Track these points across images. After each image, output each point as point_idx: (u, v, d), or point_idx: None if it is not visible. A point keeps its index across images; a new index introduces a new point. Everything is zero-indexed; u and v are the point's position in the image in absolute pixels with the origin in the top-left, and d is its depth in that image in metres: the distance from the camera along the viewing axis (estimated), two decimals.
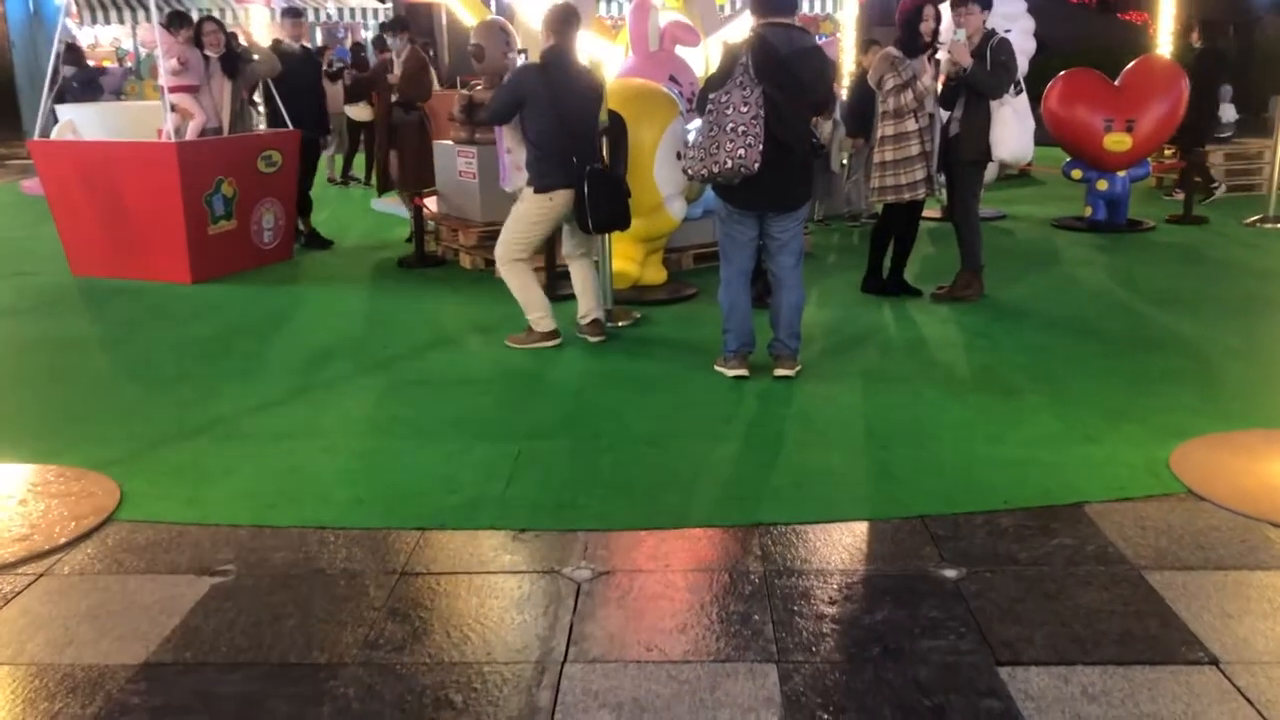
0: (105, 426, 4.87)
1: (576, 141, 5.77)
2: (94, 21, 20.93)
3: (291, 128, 8.71)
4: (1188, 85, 9.38)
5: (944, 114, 6.82)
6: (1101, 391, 5.10)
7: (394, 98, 9.25)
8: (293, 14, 9.38)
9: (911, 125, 6.54)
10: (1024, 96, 6.67)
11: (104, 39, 24.67)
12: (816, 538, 3.59)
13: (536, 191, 5.80)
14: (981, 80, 6.54)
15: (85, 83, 14.93)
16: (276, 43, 9.10)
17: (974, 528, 3.64)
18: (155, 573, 3.43)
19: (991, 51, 6.54)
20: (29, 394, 5.45)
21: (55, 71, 16.71)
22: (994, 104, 6.58)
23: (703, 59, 9.19)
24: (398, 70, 9.32)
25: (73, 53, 15.59)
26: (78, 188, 7.97)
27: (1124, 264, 8.23)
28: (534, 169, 5.80)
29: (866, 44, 10.59)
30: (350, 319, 6.94)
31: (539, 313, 6.00)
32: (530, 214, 5.87)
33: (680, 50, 8.62)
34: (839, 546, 3.53)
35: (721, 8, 11.03)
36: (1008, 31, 7.30)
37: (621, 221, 5.94)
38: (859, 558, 3.46)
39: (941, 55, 6.68)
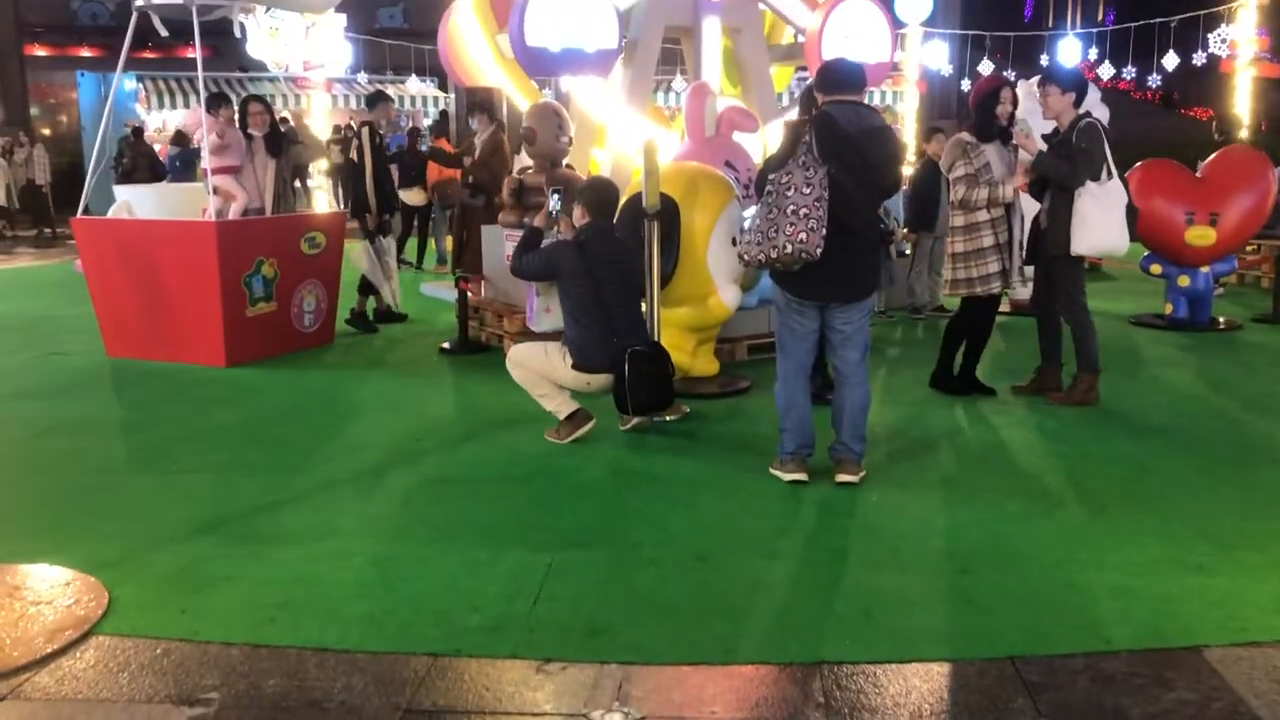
0: (106, 522, 4.50)
1: (617, 316, 5.44)
2: (161, 106, 21.37)
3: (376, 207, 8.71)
4: (1276, 175, 8.88)
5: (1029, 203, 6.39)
6: (1209, 511, 4.54)
7: (470, 178, 9.18)
8: (383, 98, 9.42)
9: (983, 216, 6.11)
10: (1115, 184, 6.17)
11: (171, 123, 25.20)
12: (889, 681, 3.07)
13: (574, 366, 5.47)
14: (1050, 168, 6.11)
15: (186, 162, 15.19)
16: (371, 126, 9.03)
17: (1074, 673, 3.11)
18: (131, 700, 3.01)
19: (1076, 136, 6.10)
20: (32, 484, 5.12)
21: (117, 155, 16.99)
22: (1075, 192, 6.12)
23: (760, 145, 8.90)
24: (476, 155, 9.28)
25: (137, 136, 15.80)
26: (116, 267, 7.79)
27: (1213, 366, 7.66)
28: (572, 344, 5.48)
29: (929, 131, 10.25)
30: (384, 408, 6.58)
31: (556, 401, 5.60)
32: (562, 377, 5.53)
33: (737, 136, 8.32)
34: (915, 693, 3.01)
35: (780, 95, 10.77)
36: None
37: (662, 402, 5.56)
38: (939, 708, 2.94)
39: (1018, 141, 6.27)
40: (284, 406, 6.64)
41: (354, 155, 8.82)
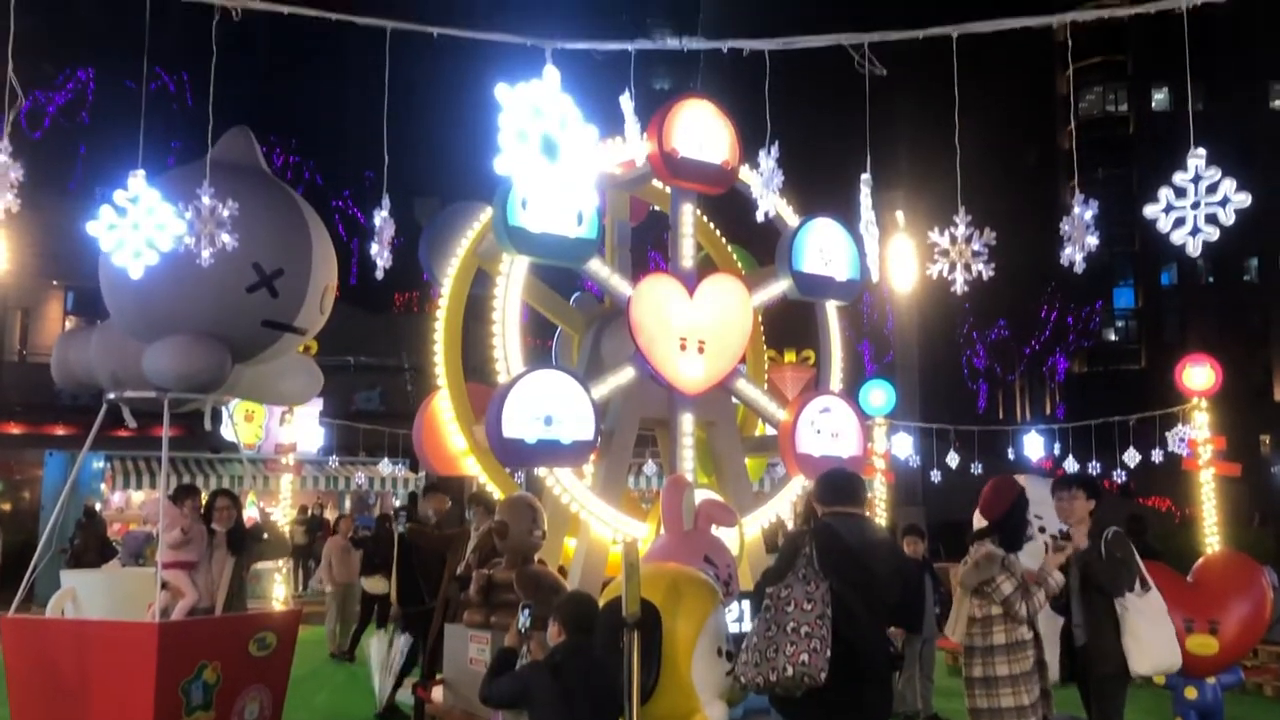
0: None
1: None
2: (126, 486, 21.16)
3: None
4: (1269, 581, 8.68)
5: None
6: None
7: (458, 570, 8.80)
8: (434, 489, 9.34)
9: (1027, 634, 5.59)
10: (1155, 595, 5.84)
11: (135, 502, 24.92)
12: None
13: None
14: (1105, 575, 5.78)
15: (135, 554, 14.42)
16: (410, 516, 8.92)
17: None
18: None
19: (1107, 546, 5.84)
20: None
21: (72, 536, 16.52)
22: (1117, 608, 5.77)
23: (738, 539, 8.65)
24: (469, 550, 8.93)
25: (90, 516, 15.42)
26: (43, 671, 7.14)
27: None
28: None
29: (906, 530, 10.10)
30: None
31: None
32: None
33: (715, 531, 8.09)
34: None
35: (754, 485, 10.70)
36: (1044, 530, 6.53)
37: None
38: None
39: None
40: None
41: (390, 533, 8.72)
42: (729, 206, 9.70)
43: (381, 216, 6.37)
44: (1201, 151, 4.53)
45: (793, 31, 6.64)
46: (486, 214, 8.96)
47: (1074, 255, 5.01)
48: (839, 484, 4.56)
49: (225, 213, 4.85)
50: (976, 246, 5.35)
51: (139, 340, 6.98)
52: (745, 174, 9.14)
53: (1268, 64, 53.99)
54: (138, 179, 4.91)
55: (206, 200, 4.84)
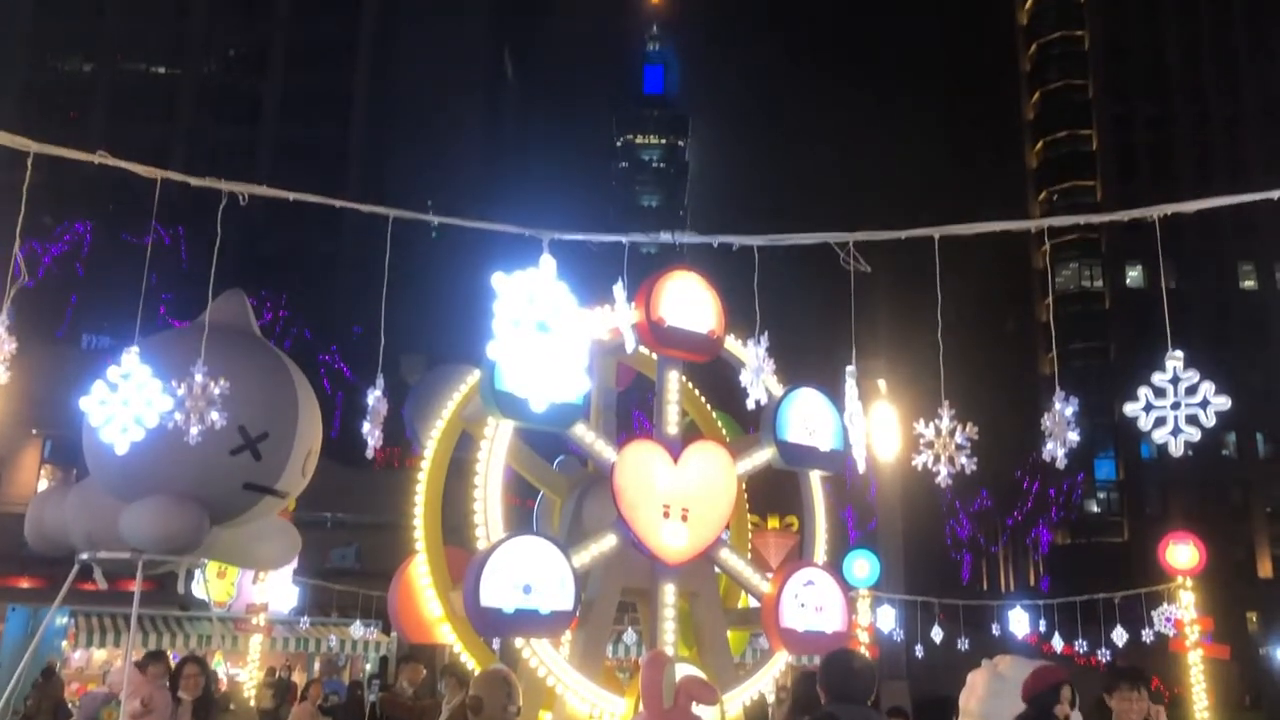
0: None
1: None
2: (89, 644, 20.51)
3: None
4: None
5: None
6: None
7: None
8: (411, 659, 9.09)
9: None
10: None
11: (96, 661, 24.10)
12: None
13: None
14: None
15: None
16: (383, 684, 8.65)
17: None
18: None
19: None
20: None
21: (26, 695, 15.88)
22: None
23: (719, 717, 8.39)
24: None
25: (47, 676, 14.89)
26: None
27: None
28: None
29: (890, 712, 9.83)
30: None
31: None
32: None
33: (696, 708, 7.85)
34: None
35: (736, 658, 10.44)
36: None
37: None
38: None
39: None
40: None
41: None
42: (714, 372, 9.80)
43: (375, 396, 6.40)
44: (1179, 353, 4.63)
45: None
46: (473, 376, 9.01)
47: (1055, 451, 5.07)
48: (850, 675, 4.32)
49: (216, 390, 4.88)
50: (960, 440, 5.41)
51: (117, 499, 6.91)
52: (731, 343, 9.28)
53: (1236, 245, 55.82)
54: (131, 356, 4.95)
55: (199, 379, 4.88)
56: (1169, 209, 4.97)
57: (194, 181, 5.10)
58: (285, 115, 57.14)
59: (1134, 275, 57.95)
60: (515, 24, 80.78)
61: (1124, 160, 59.55)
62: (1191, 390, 4.60)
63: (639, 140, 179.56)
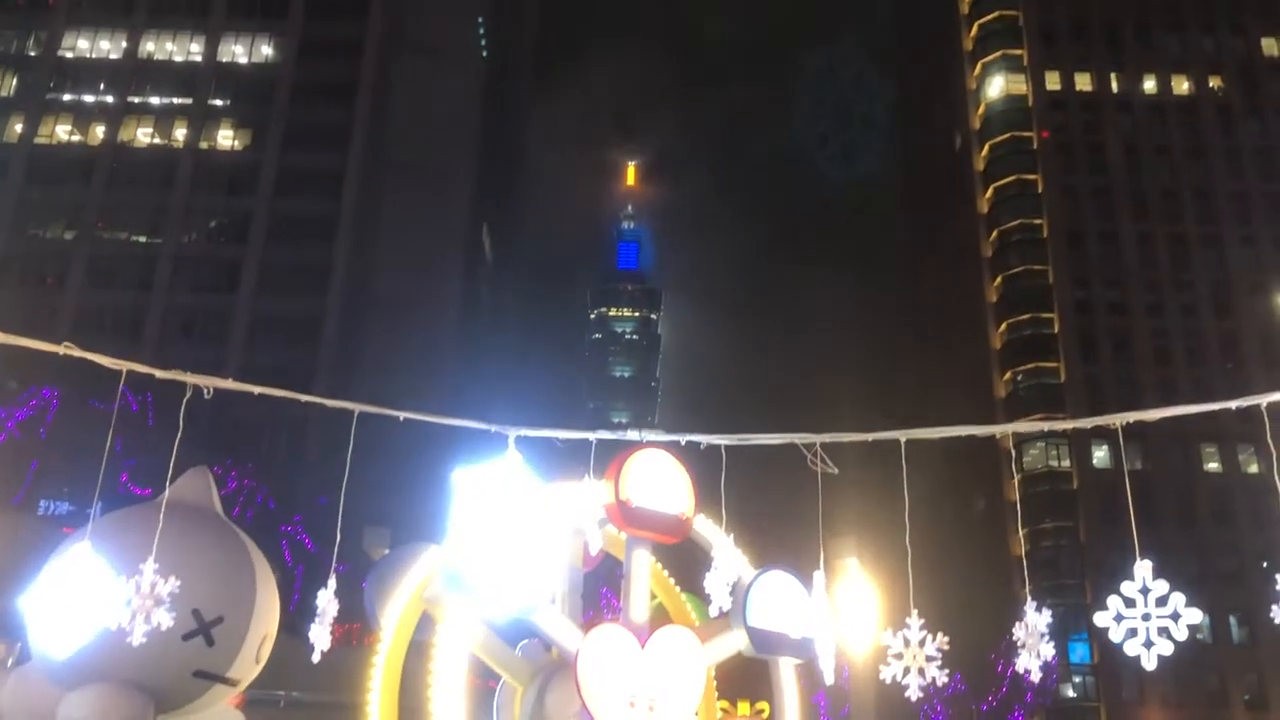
0: None
1: None
2: None
3: None
4: None
5: None
6: None
7: None
8: None
9: None
10: None
11: None
12: None
13: None
14: None
15: None
16: None
17: None
18: None
19: None
20: None
21: None
22: None
23: None
24: None
25: None
26: None
27: None
28: None
29: None
30: None
31: None
32: None
33: None
34: None
35: None
36: None
37: None
38: None
39: None
40: None
41: None
42: (685, 550, 9.64)
43: (326, 598, 6.26)
44: (1148, 563, 4.63)
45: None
46: (436, 556, 8.82)
47: (1030, 663, 5.01)
48: None
49: (166, 590, 4.76)
50: (930, 651, 5.33)
51: (58, 685, 6.59)
52: (702, 524, 9.17)
53: (1198, 428, 56.64)
54: (84, 547, 4.83)
55: (149, 578, 4.76)
56: (1131, 417, 5.06)
57: (159, 374, 5.11)
58: (263, 286, 57.85)
59: (1100, 455, 58.44)
60: (495, 202, 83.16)
61: (1085, 342, 60.95)
62: (1162, 601, 4.57)
63: (613, 313, 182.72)
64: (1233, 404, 4.98)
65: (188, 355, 52.54)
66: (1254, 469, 54.92)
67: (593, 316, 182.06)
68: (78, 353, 5.03)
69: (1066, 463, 58.93)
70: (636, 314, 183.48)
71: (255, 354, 55.22)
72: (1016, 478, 58.95)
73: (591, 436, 7.15)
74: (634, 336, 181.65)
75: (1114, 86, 66.97)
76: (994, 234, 66.58)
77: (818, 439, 6.37)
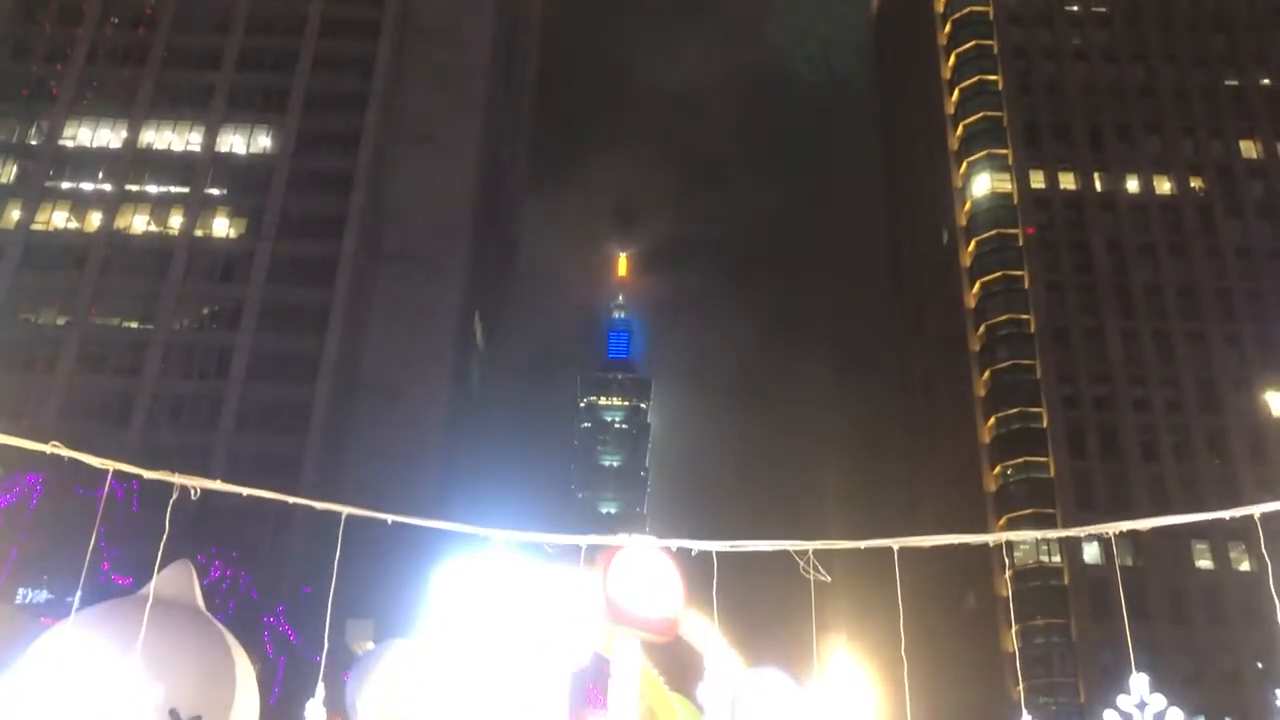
0: None
1: None
2: None
3: None
4: None
5: None
6: None
7: None
8: None
9: None
10: None
11: None
12: None
13: None
14: None
15: None
16: None
17: None
18: None
19: None
20: None
21: None
22: None
23: None
24: None
25: None
26: None
27: None
28: None
29: None
30: None
31: None
32: None
33: None
34: None
35: None
36: None
37: None
38: None
39: None
40: None
41: None
42: (673, 648, 9.52)
43: (315, 709, 6.17)
44: (1144, 676, 4.60)
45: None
46: (417, 650, 8.70)
47: None
48: None
49: (147, 698, 4.68)
50: None
51: None
52: (693, 623, 9.06)
53: (1191, 526, 56.34)
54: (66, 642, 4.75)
55: (130, 680, 4.68)
56: (1123, 526, 5.08)
57: (147, 475, 5.10)
58: (254, 373, 57.81)
59: (1091, 551, 58.11)
60: (488, 291, 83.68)
61: (1074, 438, 60.96)
62: (1159, 717, 4.52)
63: (603, 401, 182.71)
64: (1226, 514, 4.99)
65: (176, 440, 52.40)
66: (1246, 566, 54.63)
67: (582, 405, 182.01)
68: (66, 452, 5.03)
69: (1057, 558, 58.52)
70: (626, 403, 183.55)
71: (244, 440, 54.99)
72: (1008, 573, 58.48)
73: (581, 541, 7.06)
74: (623, 425, 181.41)
75: (1097, 185, 68.17)
76: (981, 328, 67.14)
77: (809, 545, 6.33)
